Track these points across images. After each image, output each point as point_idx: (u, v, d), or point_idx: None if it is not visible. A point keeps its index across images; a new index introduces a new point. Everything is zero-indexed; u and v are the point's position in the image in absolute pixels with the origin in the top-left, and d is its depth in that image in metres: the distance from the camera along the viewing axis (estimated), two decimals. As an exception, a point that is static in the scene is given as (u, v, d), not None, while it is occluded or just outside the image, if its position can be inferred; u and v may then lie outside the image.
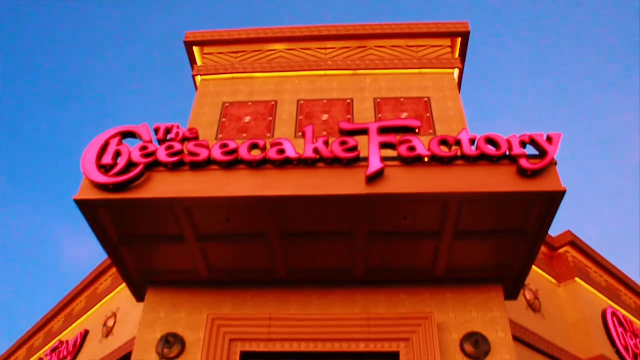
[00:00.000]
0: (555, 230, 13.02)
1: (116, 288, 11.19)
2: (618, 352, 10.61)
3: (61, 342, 12.59)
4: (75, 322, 12.55)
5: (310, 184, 6.30)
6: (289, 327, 6.78)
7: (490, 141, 6.61)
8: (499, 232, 6.72)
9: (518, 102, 48.33)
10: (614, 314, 11.14)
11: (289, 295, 7.13)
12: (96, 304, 11.82)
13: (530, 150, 6.56)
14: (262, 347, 6.72)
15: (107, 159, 6.65)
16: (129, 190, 6.49)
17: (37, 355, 14.06)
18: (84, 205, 6.48)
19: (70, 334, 12.51)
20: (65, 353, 12.04)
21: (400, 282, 7.13)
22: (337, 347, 6.65)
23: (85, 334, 11.64)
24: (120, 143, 6.88)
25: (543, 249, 10.90)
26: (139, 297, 7.70)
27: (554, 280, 10.78)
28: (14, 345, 15.87)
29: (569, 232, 11.16)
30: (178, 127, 7.06)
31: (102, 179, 6.47)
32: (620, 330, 11.03)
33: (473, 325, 6.88)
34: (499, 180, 6.30)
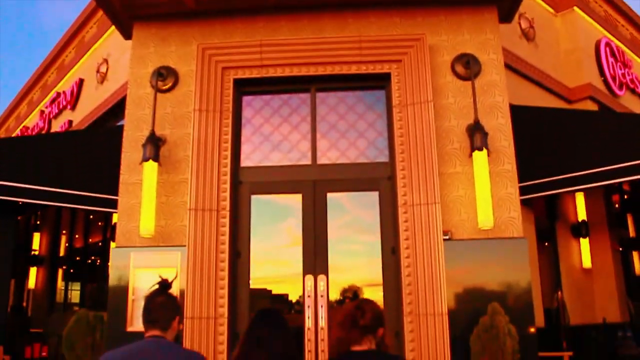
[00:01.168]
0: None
1: (103, 34, 10.93)
2: (605, 81, 10.86)
3: (58, 93, 12.79)
4: (68, 72, 12.55)
5: None
6: (281, 53, 6.70)
7: None
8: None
9: None
10: (607, 44, 11.11)
11: (279, 21, 6.92)
12: (86, 52, 11.68)
13: None
14: (254, 74, 6.74)
15: None
16: None
17: (37, 108, 14.39)
18: None
19: (65, 85, 12.62)
20: (64, 102, 12.32)
21: (393, 4, 6.84)
22: (329, 70, 6.66)
23: (80, 83, 11.73)
24: None
25: (543, -25, 10.41)
26: (126, 34, 7.51)
27: (551, 10, 10.49)
28: (13, 100, 16.14)
29: (573, -43, 10.54)
30: None
31: None
32: (611, 60, 11.12)
33: (465, 47, 6.80)
34: None
